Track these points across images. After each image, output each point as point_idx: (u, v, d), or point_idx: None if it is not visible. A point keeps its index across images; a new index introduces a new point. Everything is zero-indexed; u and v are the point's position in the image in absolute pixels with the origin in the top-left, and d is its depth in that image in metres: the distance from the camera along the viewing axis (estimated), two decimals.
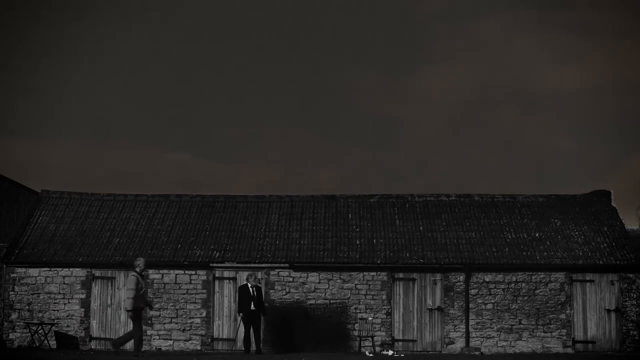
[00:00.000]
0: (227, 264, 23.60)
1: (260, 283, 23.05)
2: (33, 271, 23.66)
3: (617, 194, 26.11)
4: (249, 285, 21.57)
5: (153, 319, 23.40)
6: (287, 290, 23.46)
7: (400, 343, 23.28)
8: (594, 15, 63.51)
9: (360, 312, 23.30)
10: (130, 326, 19.85)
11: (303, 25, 64.81)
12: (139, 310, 18.94)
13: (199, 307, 23.44)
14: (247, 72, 64.91)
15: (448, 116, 64.57)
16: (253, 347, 21.54)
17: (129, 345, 20.25)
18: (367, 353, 21.67)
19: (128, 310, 18.88)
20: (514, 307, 23.28)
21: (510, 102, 64.13)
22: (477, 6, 63.90)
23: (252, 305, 21.37)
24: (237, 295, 22.22)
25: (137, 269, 19.02)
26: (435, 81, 65.75)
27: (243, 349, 21.54)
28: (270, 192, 26.51)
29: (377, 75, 65.50)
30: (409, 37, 65.39)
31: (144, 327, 23.35)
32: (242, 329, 21.81)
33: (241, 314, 21.49)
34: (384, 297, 23.40)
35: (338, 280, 23.53)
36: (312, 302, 23.34)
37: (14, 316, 23.51)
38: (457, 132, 63.62)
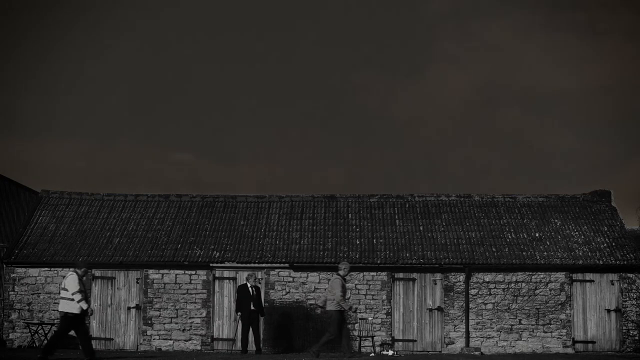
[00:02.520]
0: (227, 264, 23.60)
1: (259, 283, 23.06)
2: (33, 271, 23.66)
3: (617, 194, 26.14)
4: (249, 285, 21.59)
5: (153, 319, 23.40)
6: (287, 290, 23.46)
7: (400, 343, 23.28)
8: (598, 15, 63.53)
9: (360, 312, 23.30)
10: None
11: (306, 25, 64.82)
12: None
13: (199, 307, 23.44)
14: (249, 72, 64.91)
15: (451, 116, 64.59)
16: (252, 347, 21.57)
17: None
18: (371, 355, 21.64)
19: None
20: (514, 307, 23.28)
21: (514, 102, 64.15)
22: (481, 7, 63.93)
23: (252, 306, 21.39)
24: (236, 294, 22.21)
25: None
26: (439, 81, 65.77)
27: (241, 349, 21.55)
28: (274, 192, 26.46)
29: (380, 76, 65.53)
30: (414, 37, 65.41)
31: (143, 327, 23.36)
32: (240, 328, 21.80)
33: (239, 313, 21.50)
34: (384, 297, 23.40)
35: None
36: (312, 302, 23.33)
37: (14, 316, 23.51)
38: (460, 133, 63.64)
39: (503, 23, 65.20)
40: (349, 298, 18.31)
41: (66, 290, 16.21)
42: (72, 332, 23.13)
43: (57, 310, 17.01)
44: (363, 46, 65.01)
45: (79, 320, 16.38)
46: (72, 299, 16.13)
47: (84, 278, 16.60)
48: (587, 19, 63.49)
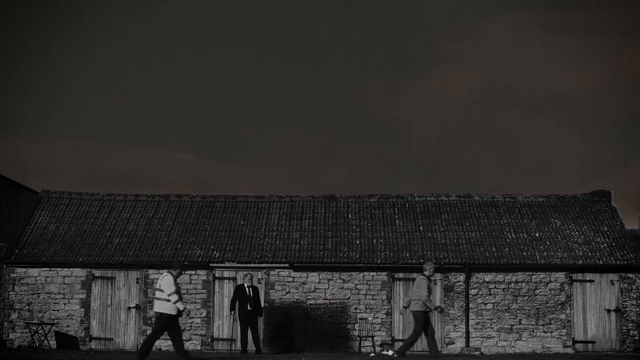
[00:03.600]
0: (227, 264, 23.60)
1: (259, 283, 23.07)
2: (33, 271, 23.66)
3: (617, 194, 26.14)
4: (246, 285, 21.57)
5: (153, 318, 23.39)
6: (287, 290, 23.45)
7: (400, 343, 23.24)
8: (601, 15, 63.52)
9: (360, 312, 23.30)
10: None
11: (308, 25, 64.82)
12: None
13: (199, 307, 23.44)
14: (251, 73, 64.91)
15: (453, 117, 64.60)
16: (251, 347, 21.56)
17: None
18: (371, 355, 21.64)
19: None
20: (514, 307, 23.28)
21: (515, 102, 64.16)
22: (484, 7, 63.94)
23: (249, 306, 21.37)
24: (233, 293, 22.18)
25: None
26: (442, 82, 65.77)
27: (240, 349, 21.56)
28: (277, 193, 26.43)
29: (383, 76, 65.53)
30: (416, 38, 65.44)
31: (143, 327, 23.36)
32: (238, 328, 21.78)
33: (232, 312, 21.51)
34: (384, 297, 23.40)
35: (338, 280, 23.53)
36: (312, 302, 23.33)
37: (14, 316, 23.51)
38: (461, 133, 63.65)
39: (504, 23, 65.21)
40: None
41: (162, 291, 16.25)
42: (72, 332, 23.16)
43: (153, 311, 17.06)
44: (365, 47, 65.03)
45: (173, 321, 16.41)
46: (169, 300, 16.13)
47: (178, 278, 16.72)
48: (589, 19, 63.49)
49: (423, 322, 18.17)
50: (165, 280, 16.18)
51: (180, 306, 16.10)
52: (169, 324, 16.21)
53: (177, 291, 16.20)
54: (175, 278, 16.32)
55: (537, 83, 63.00)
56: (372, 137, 63.55)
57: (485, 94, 64.93)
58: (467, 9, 64.46)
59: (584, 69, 62.82)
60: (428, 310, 18.21)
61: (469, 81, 65.51)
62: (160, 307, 16.19)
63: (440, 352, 19.06)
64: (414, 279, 23.39)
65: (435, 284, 23.42)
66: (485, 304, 23.33)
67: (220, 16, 64.64)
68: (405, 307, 18.72)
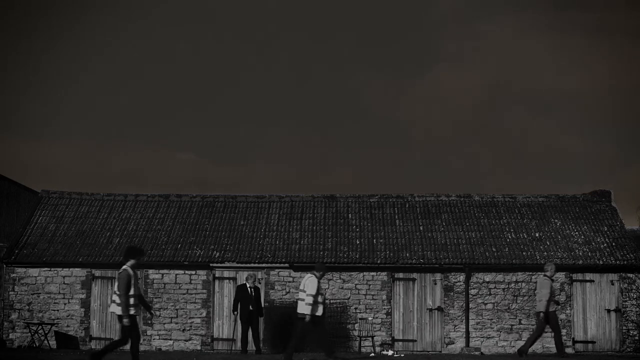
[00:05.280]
0: (227, 264, 23.60)
1: (259, 284, 23.07)
2: (33, 271, 23.66)
3: (617, 194, 26.15)
4: (248, 285, 21.58)
5: (153, 318, 23.40)
6: (287, 290, 23.45)
7: (400, 343, 23.28)
8: (604, 16, 63.55)
9: (360, 312, 23.30)
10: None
11: (312, 26, 64.84)
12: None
13: (199, 307, 23.44)
14: (253, 73, 64.89)
15: (456, 117, 64.63)
16: (251, 347, 21.56)
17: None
18: (371, 355, 21.63)
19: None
20: (514, 307, 23.28)
21: (518, 102, 64.19)
22: (486, 8, 63.95)
23: (251, 306, 21.38)
24: (234, 293, 22.19)
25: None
26: (445, 82, 65.79)
27: (240, 349, 21.56)
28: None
29: (386, 76, 65.55)
30: (419, 38, 65.46)
31: (143, 327, 23.35)
32: (239, 328, 21.79)
33: (235, 312, 21.51)
34: (384, 297, 23.40)
35: (338, 280, 23.52)
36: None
37: (14, 316, 23.51)
38: (463, 133, 63.67)
39: (506, 24, 65.25)
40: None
41: (304, 291, 16.48)
42: (72, 332, 23.16)
43: (297, 312, 17.03)
44: (367, 47, 65.03)
45: (318, 321, 16.64)
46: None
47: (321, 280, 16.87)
48: (593, 19, 63.52)
49: (554, 319, 18.61)
50: (310, 282, 16.45)
51: (308, 310, 16.32)
52: (314, 324, 16.52)
53: (319, 294, 16.43)
54: (319, 279, 16.54)
55: (538, 83, 63.05)
56: (376, 138, 63.59)
57: (487, 94, 64.95)
58: (469, 9, 64.49)
59: (585, 69, 62.86)
60: (551, 309, 18.61)
61: (471, 81, 65.52)
62: (301, 308, 16.51)
63: (566, 352, 19.34)
64: (414, 279, 23.43)
65: (436, 284, 23.43)
66: (485, 304, 23.33)
67: (222, 16, 64.65)
68: (557, 304, 19.19)
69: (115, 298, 13.68)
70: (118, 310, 13.60)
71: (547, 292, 18.30)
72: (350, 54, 65.51)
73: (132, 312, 13.57)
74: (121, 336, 13.79)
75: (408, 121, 66.48)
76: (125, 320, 13.47)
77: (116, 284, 13.79)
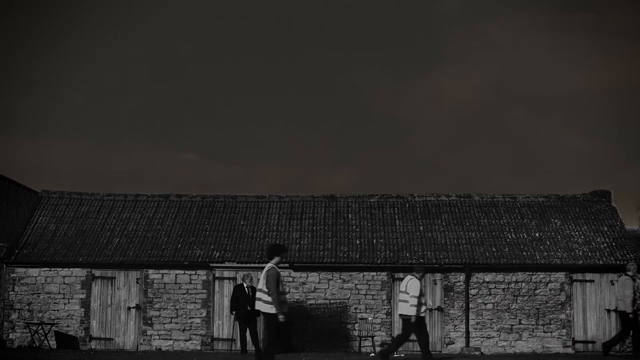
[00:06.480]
0: (227, 264, 23.60)
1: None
2: (33, 271, 23.66)
3: (617, 194, 26.15)
4: (245, 285, 21.57)
5: (153, 318, 23.40)
6: (287, 290, 23.44)
7: None
8: (606, 16, 63.59)
9: (360, 312, 23.30)
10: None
11: (315, 25, 64.82)
12: None
13: (199, 307, 23.44)
14: (254, 73, 64.91)
15: (458, 117, 64.67)
16: (250, 347, 21.55)
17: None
18: (371, 355, 21.64)
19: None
20: (514, 307, 23.28)
21: (520, 103, 64.24)
22: (490, 7, 63.99)
23: (248, 306, 21.35)
24: (232, 293, 22.17)
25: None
26: (447, 82, 65.84)
27: (240, 349, 21.56)
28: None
29: (388, 76, 65.56)
30: (422, 38, 65.49)
31: (143, 327, 23.37)
32: (238, 328, 21.77)
33: (234, 312, 21.50)
34: (384, 297, 23.40)
35: (338, 280, 23.53)
36: (312, 302, 23.33)
37: (14, 316, 23.51)
38: (465, 133, 63.70)
39: (509, 24, 65.28)
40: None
41: (407, 293, 16.67)
42: (72, 332, 23.15)
43: (399, 314, 17.33)
44: (371, 47, 65.06)
45: (420, 323, 16.78)
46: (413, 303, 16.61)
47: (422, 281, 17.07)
48: (595, 20, 63.56)
49: (636, 320, 18.97)
50: (413, 284, 16.66)
51: (413, 311, 16.53)
52: (418, 325, 16.66)
53: (420, 295, 16.62)
54: (420, 280, 16.77)
55: (539, 83, 63.08)
56: (375, 137, 63.60)
57: (488, 94, 64.97)
58: (473, 10, 64.53)
59: (586, 69, 62.90)
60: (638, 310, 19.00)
61: (473, 81, 65.53)
62: (406, 309, 16.66)
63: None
64: None
65: (436, 284, 23.43)
66: (485, 304, 23.33)
67: (224, 16, 64.66)
68: (630, 313, 19.30)
69: (262, 296, 13.77)
70: (265, 308, 13.71)
71: (631, 293, 18.68)
72: (352, 54, 65.53)
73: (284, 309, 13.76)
74: (270, 338, 13.99)
75: (410, 121, 66.51)
76: (280, 317, 13.63)
77: (263, 282, 13.82)
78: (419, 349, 22.99)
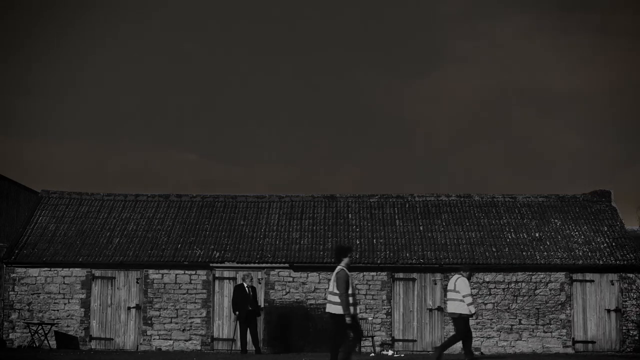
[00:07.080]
0: (227, 264, 23.59)
1: (259, 283, 23.06)
2: (33, 271, 23.66)
3: (617, 194, 26.13)
4: (245, 285, 21.55)
5: (153, 319, 23.39)
6: (287, 290, 23.44)
7: (400, 343, 23.27)
8: (609, 17, 63.59)
9: (360, 312, 23.27)
10: None
11: (315, 26, 64.83)
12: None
13: (199, 307, 23.43)
14: (255, 73, 64.90)
15: (459, 116, 64.67)
16: (251, 347, 21.54)
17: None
18: (371, 355, 21.63)
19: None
20: (514, 307, 23.27)
21: (521, 103, 64.25)
22: (490, 7, 64.00)
23: (249, 306, 21.34)
24: (232, 294, 22.16)
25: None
26: (449, 82, 65.84)
27: (240, 349, 21.54)
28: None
29: (390, 76, 65.57)
30: (422, 38, 65.49)
31: (143, 327, 23.36)
32: (239, 328, 21.76)
33: (237, 313, 21.48)
34: (384, 297, 23.39)
35: None
36: (312, 302, 23.32)
37: (14, 316, 23.51)
38: (466, 133, 63.71)
39: (512, 24, 65.28)
40: None
41: (457, 292, 16.60)
42: (72, 332, 23.14)
43: (448, 312, 17.19)
44: (373, 46, 65.07)
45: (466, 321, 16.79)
46: (463, 301, 16.48)
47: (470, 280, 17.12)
48: (596, 20, 63.57)
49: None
50: (461, 282, 16.60)
51: (472, 309, 16.54)
52: (467, 324, 16.63)
53: (472, 294, 16.68)
54: (469, 279, 16.75)
55: (540, 83, 63.10)
56: (376, 137, 63.62)
57: (489, 94, 64.97)
58: (475, 10, 64.54)
59: (587, 69, 62.90)
60: None
61: (475, 81, 65.55)
62: (455, 308, 16.59)
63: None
64: (414, 279, 23.42)
65: (436, 284, 23.42)
66: (485, 304, 23.32)
67: (225, 16, 64.66)
68: None
69: (332, 298, 13.61)
70: (335, 310, 13.52)
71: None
72: (353, 54, 65.53)
73: (352, 310, 13.49)
74: (337, 336, 13.66)
75: (410, 121, 66.51)
76: (347, 319, 13.43)
77: (333, 283, 13.66)
78: (419, 349, 23.05)
